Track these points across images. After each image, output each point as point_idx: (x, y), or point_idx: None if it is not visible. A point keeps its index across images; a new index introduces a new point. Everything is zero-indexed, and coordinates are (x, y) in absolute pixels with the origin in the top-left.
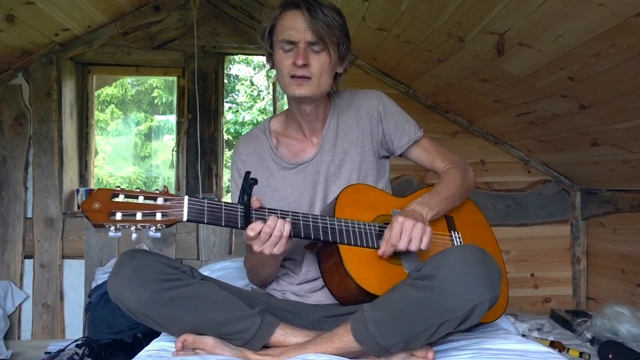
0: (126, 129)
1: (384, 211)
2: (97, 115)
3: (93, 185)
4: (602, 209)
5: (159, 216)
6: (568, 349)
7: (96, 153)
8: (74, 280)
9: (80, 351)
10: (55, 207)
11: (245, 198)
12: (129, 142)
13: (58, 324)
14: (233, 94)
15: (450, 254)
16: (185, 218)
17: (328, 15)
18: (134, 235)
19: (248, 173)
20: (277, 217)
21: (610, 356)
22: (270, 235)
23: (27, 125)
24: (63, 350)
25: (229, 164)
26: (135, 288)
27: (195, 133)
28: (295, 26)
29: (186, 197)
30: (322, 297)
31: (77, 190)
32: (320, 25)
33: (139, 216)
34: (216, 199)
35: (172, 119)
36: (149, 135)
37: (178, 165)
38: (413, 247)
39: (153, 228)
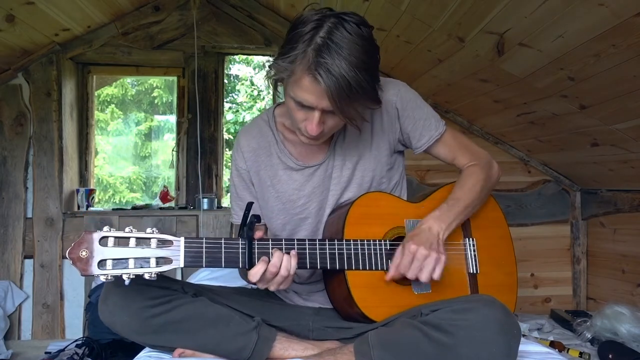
0: (126, 129)
1: (397, 223)
2: (97, 115)
3: (93, 185)
4: (602, 209)
5: (152, 263)
6: (568, 349)
7: (96, 153)
8: (74, 280)
9: (80, 351)
10: (55, 207)
11: (247, 240)
12: (129, 142)
13: (58, 324)
14: (233, 94)
15: (471, 312)
16: (181, 264)
17: (353, 83)
18: (126, 282)
19: (250, 204)
20: (282, 252)
21: (610, 356)
22: (276, 275)
23: (27, 125)
24: (63, 350)
25: (229, 164)
26: (124, 317)
27: (195, 133)
28: (313, 94)
29: (182, 240)
30: (324, 300)
31: (77, 190)
32: (342, 99)
33: (131, 264)
34: (216, 199)
35: (172, 119)
36: (149, 135)
37: (178, 165)
38: (423, 277)
39: (147, 276)
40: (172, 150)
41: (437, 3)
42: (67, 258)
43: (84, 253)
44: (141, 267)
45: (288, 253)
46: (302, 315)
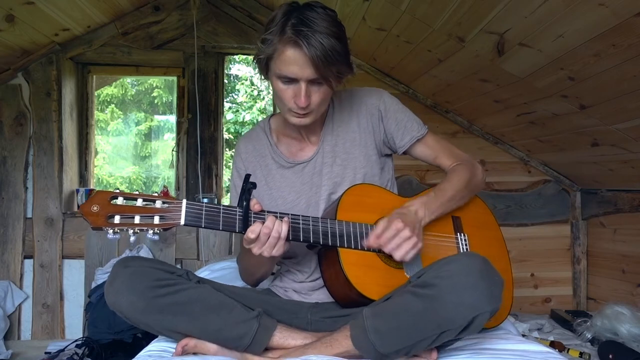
0: (126, 129)
1: (388, 212)
2: (97, 115)
3: (93, 185)
4: (602, 209)
5: (156, 220)
6: (568, 349)
7: (96, 153)
8: (74, 280)
9: (80, 351)
10: (55, 207)
11: (244, 202)
12: (129, 142)
13: (58, 324)
14: (233, 94)
15: (452, 263)
16: (182, 222)
17: (329, 48)
18: (132, 238)
19: (248, 176)
20: (275, 217)
21: (610, 356)
22: (269, 236)
23: (27, 125)
24: (63, 350)
25: (229, 164)
26: (131, 296)
27: (195, 133)
28: (296, 64)
29: (184, 201)
30: (323, 296)
31: (77, 190)
32: (321, 62)
33: (137, 219)
34: (216, 200)
35: (172, 118)
36: (149, 135)
37: (178, 165)
38: (398, 255)
39: (151, 232)
40: (172, 150)
41: (437, 3)
42: (67, 258)
43: (95, 208)
44: (146, 223)
45: (281, 219)
46: (301, 309)
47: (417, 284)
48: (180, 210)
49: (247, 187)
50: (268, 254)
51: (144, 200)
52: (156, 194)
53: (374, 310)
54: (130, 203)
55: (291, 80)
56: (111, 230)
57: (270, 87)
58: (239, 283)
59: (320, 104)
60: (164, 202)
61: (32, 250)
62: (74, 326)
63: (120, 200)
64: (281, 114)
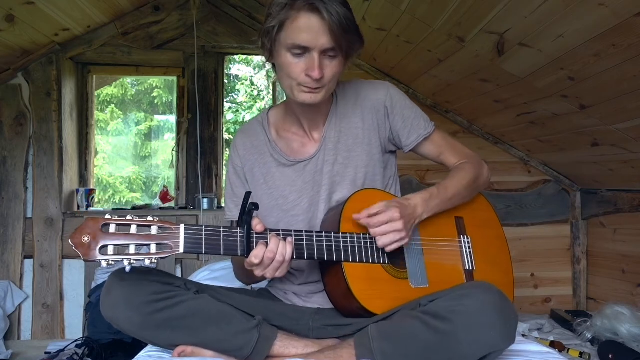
0: (126, 129)
1: None
2: (97, 115)
3: (93, 185)
4: (602, 209)
5: (153, 248)
6: (568, 349)
7: (96, 153)
8: (74, 280)
9: (80, 351)
10: (55, 207)
11: (245, 225)
12: (129, 142)
13: (58, 324)
14: (233, 94)
15: (468, 297)
16: (181, 249)
17: (343, 16)
18: (127, 268)
19: (248, 194)
20: (279, 238)
21: (610, 356)
22: (273, 260)
23: (27, 125)
24: (63, 350)
25: None
26: (127, 312)
27: (195, 133)
28: (311, 31)
29: (182, 226)
30: (323, 301)
31: (77, 190)
32: (338, 29)
33: (132, 249)
34: (216, 199)
35: (172, 119)
36: (149, 135)
37: (178, 165)
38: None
39: (147, 261)
40: (172, 150)
41: (437, 3)
42: (67, 258)
43: (86, 239)
44: (142, 253)
45: (285, 239)
46: (302, 315)
47: (428, 312)
48: (179, 237)
49: (249, 208)
50: (271, 275)
51: (139, 226)
52: (151, 219)
53: (380, 330)
54: (124, 231)
55: (303, 52)
56: (105, 263)
57: (271, 87)
58: (239, 284)
59: (332, 79)
60: (160, 228)
61: (32, 250)
62: (74, 326)
63: (112, 228)
64: (281, 106)
